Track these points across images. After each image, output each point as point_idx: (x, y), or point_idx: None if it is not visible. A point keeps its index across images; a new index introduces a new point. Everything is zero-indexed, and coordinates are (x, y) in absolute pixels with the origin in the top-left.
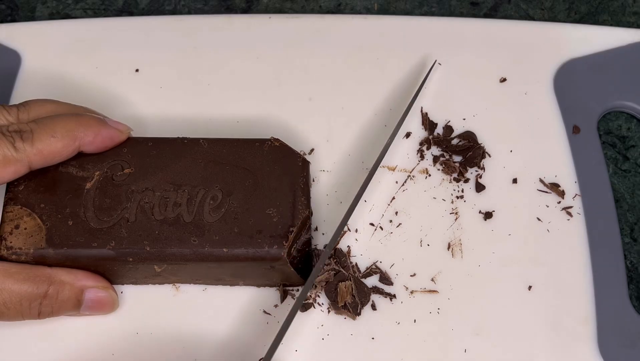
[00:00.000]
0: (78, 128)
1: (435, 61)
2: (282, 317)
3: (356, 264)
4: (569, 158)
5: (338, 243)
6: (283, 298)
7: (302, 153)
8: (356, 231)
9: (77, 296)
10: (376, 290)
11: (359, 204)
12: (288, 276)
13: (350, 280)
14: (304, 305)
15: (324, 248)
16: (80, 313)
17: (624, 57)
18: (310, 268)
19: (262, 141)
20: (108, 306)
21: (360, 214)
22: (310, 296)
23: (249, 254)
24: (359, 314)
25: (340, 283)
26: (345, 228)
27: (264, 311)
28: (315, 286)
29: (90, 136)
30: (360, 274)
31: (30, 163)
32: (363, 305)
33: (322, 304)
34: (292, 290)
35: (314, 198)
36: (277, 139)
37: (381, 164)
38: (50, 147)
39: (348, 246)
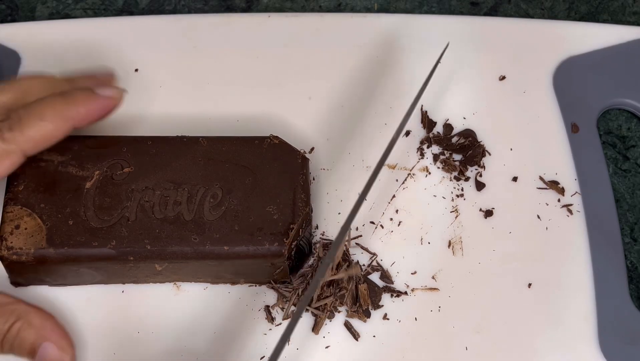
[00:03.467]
0: (67, 108)
1: (448, 43)
2: (282, 316)
3: (357, 262)
4: (569, 156)
5: (343, 246)
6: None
7: (302, 152)
8: (357, 229)
9: (34, 345)
10: (387, 289)
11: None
12: (283, 273)
13: (362, 281)
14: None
15: (323, 253)
16: None
17: (623, 54)
18: (301, 265)
19: (261, 139)
20: None
21: (361, 212)
22: (328, 305)
23: (249, 252)
24: (369, 316)
25: (360, 286)
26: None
27: (265, 310)
28: (323, 294)
29: (81, 113)
30: (362, 273)
31: (24, 151)
32: (374, 304)
33: (340, 311)
34: (281, 288)
35: (314, 197)
36: (277, 136)
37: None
38: (41, 131)
39: (346, 245)
